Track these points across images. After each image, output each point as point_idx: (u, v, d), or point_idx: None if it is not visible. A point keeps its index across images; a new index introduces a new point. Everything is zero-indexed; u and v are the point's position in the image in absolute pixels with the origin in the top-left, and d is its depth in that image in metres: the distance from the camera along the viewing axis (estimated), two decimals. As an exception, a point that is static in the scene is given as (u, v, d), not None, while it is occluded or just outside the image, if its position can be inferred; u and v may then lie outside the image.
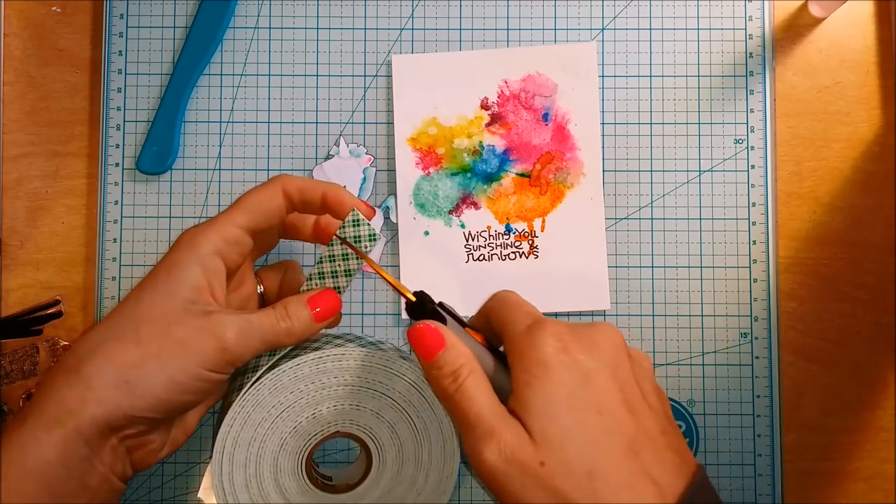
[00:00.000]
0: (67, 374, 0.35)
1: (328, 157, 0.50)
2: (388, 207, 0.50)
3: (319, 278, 0.40)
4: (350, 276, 0.40)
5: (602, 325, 0.36)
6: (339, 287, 0.40)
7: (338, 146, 0.50)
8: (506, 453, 0.33)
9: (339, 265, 0.40)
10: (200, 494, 0.49)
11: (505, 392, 0.35)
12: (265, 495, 0.41)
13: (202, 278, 0.37)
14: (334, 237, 0.40)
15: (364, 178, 0.50)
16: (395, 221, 0.50)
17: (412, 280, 0.49)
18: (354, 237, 0.39)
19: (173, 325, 0.36)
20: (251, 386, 0.40)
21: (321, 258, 0.40)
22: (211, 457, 0.40)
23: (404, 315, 0.49)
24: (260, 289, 0.44)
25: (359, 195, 0.50)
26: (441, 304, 0.38)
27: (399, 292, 0.38)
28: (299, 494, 0.42)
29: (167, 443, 0.39)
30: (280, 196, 0.40)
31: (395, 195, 0.50)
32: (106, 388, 0.34)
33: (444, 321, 0.37)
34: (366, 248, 0.40)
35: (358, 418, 0.42)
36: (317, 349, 0.42)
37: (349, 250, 0.40)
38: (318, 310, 0.39)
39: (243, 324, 0.37)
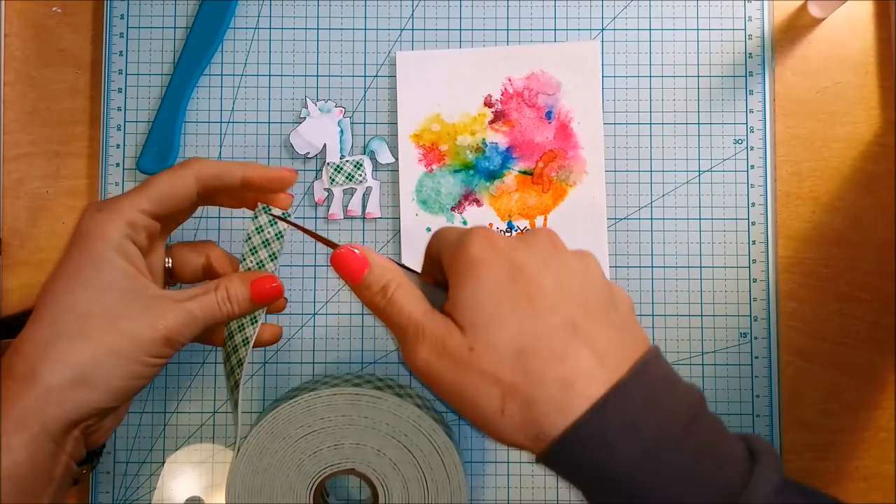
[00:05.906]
0: (24, 380, 0.35)
1: (300, 120, 0.50)
2: (372, 151, 0.50)
3: (252, 253, 0.41)
4: (275, 258, 0.41)
5: (536, 230, 0.36)
6: (268, 267, 0.41)
7: (307, 108, 0.50)
8: (436, 346, 0.33)
9: (266, 239, 0.41)
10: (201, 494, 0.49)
11: None
12: None
13: (128, 265, 0.38)
14: (256, 210, 0.41)
15: (341, 131, 0.50)
16: (382, 163, 0.50)
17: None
18: (263, 241, 0.40)
19: (118, 318, 0.37)
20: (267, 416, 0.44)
21: (249, 234, 0.41)
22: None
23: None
24: (168, 262, 0.43)
25: (340, 148, 0.50)
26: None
27: (327, 245, 0.38)
28: None
29: (115, 419, 0.41)
30: (191, 183, 0.40)
31: (381, 137, 0.50)
32: (65, 388, 0.35)
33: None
34: (276, 249, 0.41)
35: (365, 458, 0.44)
36: (335, 385, 0.45)
37: (271, 232, 0.41)
38: (258, 292, 0.40)
39: (186, 316, 0.38)
